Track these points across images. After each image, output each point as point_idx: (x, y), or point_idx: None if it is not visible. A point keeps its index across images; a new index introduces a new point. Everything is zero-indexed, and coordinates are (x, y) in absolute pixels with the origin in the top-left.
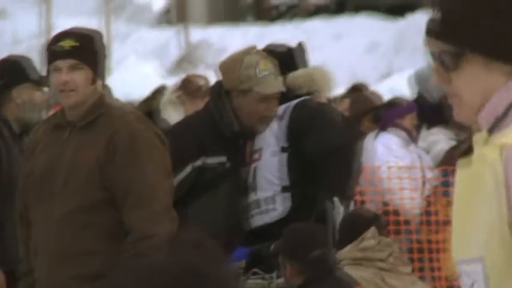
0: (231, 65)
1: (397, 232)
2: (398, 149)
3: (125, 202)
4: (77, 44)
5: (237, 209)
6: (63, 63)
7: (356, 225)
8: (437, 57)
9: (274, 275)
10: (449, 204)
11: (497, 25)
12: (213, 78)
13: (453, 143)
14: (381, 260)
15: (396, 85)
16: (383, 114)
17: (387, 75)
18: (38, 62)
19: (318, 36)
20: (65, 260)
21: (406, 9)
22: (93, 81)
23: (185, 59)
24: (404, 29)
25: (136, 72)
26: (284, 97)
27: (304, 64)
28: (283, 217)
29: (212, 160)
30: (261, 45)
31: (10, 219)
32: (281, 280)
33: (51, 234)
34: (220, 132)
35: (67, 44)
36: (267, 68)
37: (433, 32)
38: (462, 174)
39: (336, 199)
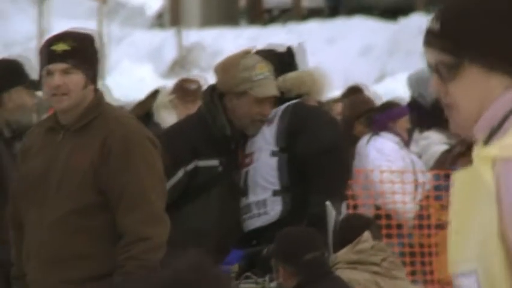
0: (228, 67)
1: (389, 236)
2: (391, 153)
3: (118, 205)
4: (70, 48)
5: (230, 213)
6: (55, 67)
7: (351, 229)
8: (434, 68)
9: (267, 278)
10: (441, 208)
11: (496, 36)
12: (207, 81)
13: (446, 147)
14: (375, 264)
15: (390, 88)
16: (376, 118)
17: (381, 78)
18: (33, 64)
19: (311, 40)
20: (57, 263)
21: (400, 13)
22: (86, 85)
23: (179, 62)
24: (398, 32)
25: (130, 75)
26: (276, 101)
27: (298, 67)
28: (275, 221)
29: (204, 164)
30: (254, 49)
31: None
32: (274, 284)
33: (43, 237)
34: (213, 136)
35: (59, 47)
36: (263, 71)
37: (431, 42)
38: (457, 187)
39: (328, 203)
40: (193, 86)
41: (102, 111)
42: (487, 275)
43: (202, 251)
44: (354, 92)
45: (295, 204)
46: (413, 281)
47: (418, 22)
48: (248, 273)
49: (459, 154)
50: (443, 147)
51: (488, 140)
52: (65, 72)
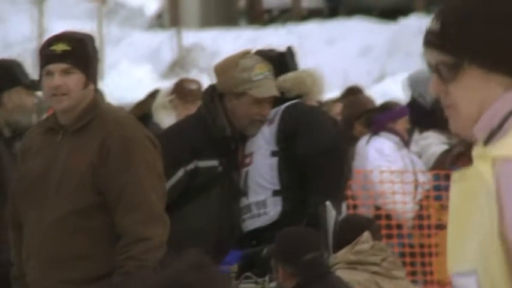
0: (227, 68)
1: (389, 236)
2: (391, 154)
3: (117, 206)
4: (69, 48)
5: (229, 213)
6: (55, 68)
7: (351, 230)
8: (434, 68)
9: (266, 278)
10: (441, 208)
11: (496, 37)
12: (206, 82)
13: (445, 147)
14: (375, 264)
15: (389, 89)
16: (375, 119)
17: (380, 79)
18: (31, 65)
19: (311, 40)
20: (56, 264)
21: (399, 13)
22: (86, 85)
23: (178, 63)
24: (397, 33)
25: (129, 76)
26: (275, 101)
27: (295, 68)
28: (275, 221)
29: (204, 164)
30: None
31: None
32: (274, 284)
33: (43, 238)
34: (212, 136)
35: (59, 48)
36: (262, 71)
37: (432, 42)
38: (456, 187)
39: (328, 203)
40: (193, 86)
41: (101, 112)
42: (487, 275)
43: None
44: (353, 93)
45: (295, 204)
46: (413, 281)
47: (418, 23)
48: (248, 274)
49: (459, 154)
50: (443, 148)
51: (488, 140)
52: (65, 72)
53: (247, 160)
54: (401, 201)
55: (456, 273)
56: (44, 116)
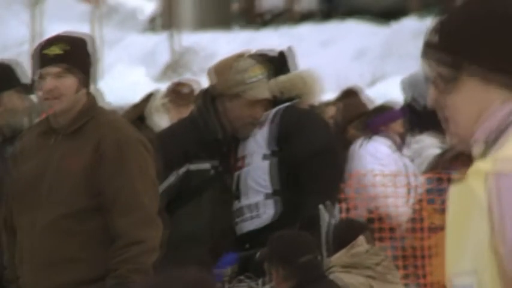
0: (222, 69)
1: (382, 239)
2: (384, 157)
3: (111, 209)
4: (62, 51)
5: (223, 216)
6: (47, 71)
7: (346, 234)
8: (432, 80)
9: (260, 282)
10: (434, 211)
11: (495, 49)
12: (201, 84)
13: (439, 150)
14: (370, 268)
15: (384, 91)
16: (369, 121)
17: (374, 81)
18: (27, 68)
19: (305, 43)
20: (49, 267)
21: (394, 16)
22: (80, 88)
23: (173, 66)
24: (392, 35)
25: (125, 78)
26: (268, 104)
27: (294, 69)
28: (268, 224)
29: (196, 167)
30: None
31: None
32: (267, 287)
33: (36, 241)
34: (205, 139)
35: (52, 51)
36: (257, 74)
37: (430, 54)
38: (452, 201)
39: (321, 206)
40: (186, 90)
41: (95, 115)
42: None
43: (196, 254)
44: (349, 95)
45: (288, 207)
46: (406, 285)
47: (412, 26)
48: (241, 277)
49: (452, 158)
50: (436, 151)
51: (484, 154)
52: (58, 76)
53: (240, 163)
54: (394, 205)
55: (455, 286)
56: (37, 119)
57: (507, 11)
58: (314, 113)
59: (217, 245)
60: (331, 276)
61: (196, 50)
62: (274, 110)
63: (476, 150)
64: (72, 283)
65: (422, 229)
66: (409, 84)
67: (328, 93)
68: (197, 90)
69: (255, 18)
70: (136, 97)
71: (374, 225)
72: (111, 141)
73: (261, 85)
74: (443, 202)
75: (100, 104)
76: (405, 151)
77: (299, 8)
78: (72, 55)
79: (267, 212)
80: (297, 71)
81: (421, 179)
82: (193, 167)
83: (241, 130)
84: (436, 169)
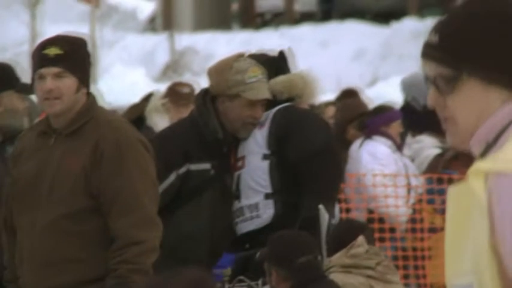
0: (220, 70)
1: (382, 239)
2: (384, 157)
3: (111, 209)
4: (62, 51)
5: (222, 216)
6: (47, 71)
7: (346, 234)
8: (432, 81)
9: (260, 282)
10: (434, 211)
11: (495, 49)
12: (199, 85)
13: (438, 150)
14: (370, 268)
15: (382, 92)
16: (369, 122)
17: (374, 82)
18: (26, 69)
19: (304, 44)
20: (49, 267)
21: (393, 17)
22: (78, 89)
23: (172, 66)
24: (391, 36)
25: (123, 79)
26: (267, 104)
27: (290, 71)
28: (268, 224)
29: (196, 167)
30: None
31: None
32: (268, 287)
33: (36, 242)
34: (205, 139)
35: (52, 52)
36: (255, 74)
37: (430, 55)
38: (452, 201)
39: (321, 206)
40: (186, 90)
41: (94, 115)
42: None
43: (196, 254)
44: (349, 95)
45: (288, 207)
46: (406, 285)
47: (411, 26)
48: (241, 277)
49: (452, 158)
50: (436, 151)
51: (484, 154)
52: (57, 76)
53: (240, 163)
54: (394, 205)
55: (454, 286)
56: (37, 119)
57: (507, 11)
58: (314, 113)
59: (217, 245)
60: (331, 276)
61: (196, 50)
62: (274, 110)
63: (476, 150)
64: (72, 283)
65: (422, 229)
66: (409, 85)
67: (328, 94)
68: (197, 90)
69: (254, 19)
70: (135, 97)
71: (374, 226)
72: (110, 141)
73: (261, 85)
74: (443, 202)
75: (100, 104)
76: (405, 151)
77: (298, 8)
78: (72, 55)
79: (267, 212)
80: (296, 71)
81: (421, 179)
82: (194, 167)
83: (241, 130)
84: (436, 169)
